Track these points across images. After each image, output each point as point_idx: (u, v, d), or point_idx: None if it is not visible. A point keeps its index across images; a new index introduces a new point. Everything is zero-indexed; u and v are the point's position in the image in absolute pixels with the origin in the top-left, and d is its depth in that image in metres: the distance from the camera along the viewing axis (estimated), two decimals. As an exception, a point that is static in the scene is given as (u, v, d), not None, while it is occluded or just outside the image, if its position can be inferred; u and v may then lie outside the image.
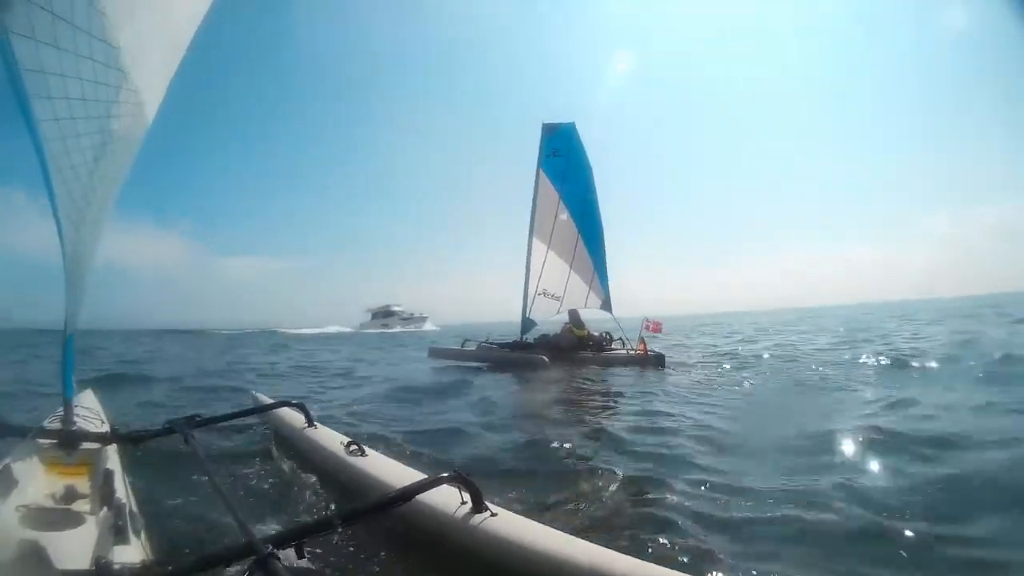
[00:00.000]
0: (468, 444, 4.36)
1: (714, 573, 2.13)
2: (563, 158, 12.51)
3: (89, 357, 13.22)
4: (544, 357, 10.53)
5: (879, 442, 3.86)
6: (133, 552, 1.62)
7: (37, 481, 2.24)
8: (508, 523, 2.11)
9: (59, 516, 1.90)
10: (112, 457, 2.59)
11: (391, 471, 2.79)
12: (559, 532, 2.06)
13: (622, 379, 8.73)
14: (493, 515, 2.16)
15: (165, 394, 7.25)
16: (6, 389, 7.63)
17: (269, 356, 17.27)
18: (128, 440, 2.85)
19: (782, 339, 17.01)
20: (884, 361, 9.02)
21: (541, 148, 12.71)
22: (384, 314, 61.95)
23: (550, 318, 12.49)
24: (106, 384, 6.91)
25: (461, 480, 2.20)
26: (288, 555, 1.60)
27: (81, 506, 2.05)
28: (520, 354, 11.36)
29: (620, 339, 11.48)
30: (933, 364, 8.34)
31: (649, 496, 3.00)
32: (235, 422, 3.94)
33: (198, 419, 3.11)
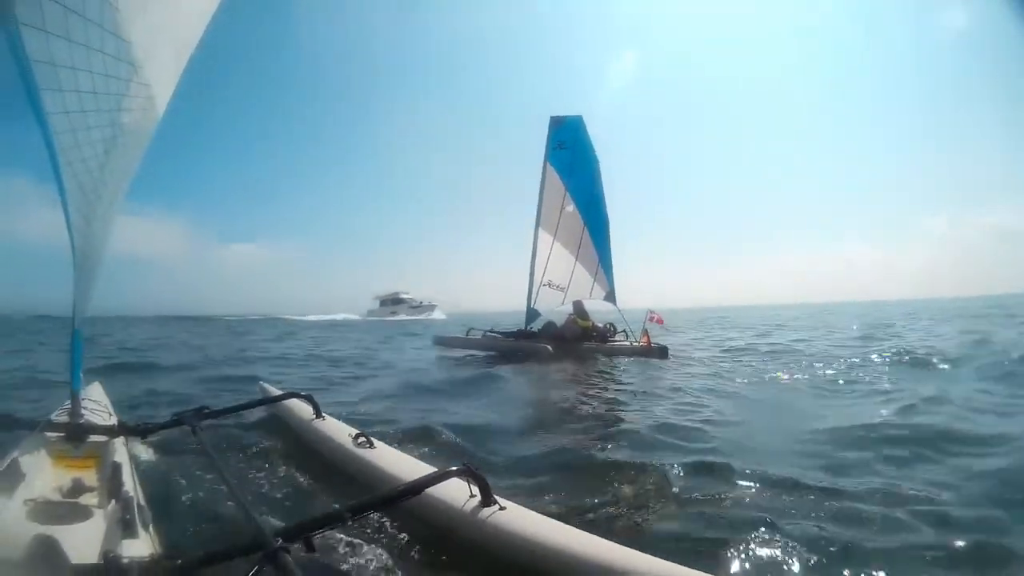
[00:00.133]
0: (492, 439, 4.26)
1: (729, 570, 2.14)
2: (570, 150, 12.48)
3: (93, 344, 13.24)
4: (548, 346, 10.63)
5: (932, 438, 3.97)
6: (141, 546, 1.62)
7: (44, 474, 2.25)
8: (517, 517, 2.13)
9: (67, 510, 1.91)
10: (120, 450, 2.59)
11: (400, 464, 2.80)
12: (568, 526, 2.07)
13: (651, 371, 8.64)
14: (502, 508, 2.17)
15: (176, 384, 7.17)
16: (11, 378, 7.65)
17: (279, 344, 17.28)
18: (136, 432, 2.86)
19: (795, 335, 16.90)
20: (906, 359, 9.00)
21: (548, 140, 12.69)
22: (392, 301, 60.33)
23: (555, 309, 12.53)
24: (115, 372, 6.96)
25: (470, 474, 2.21)
26: (297, 549, 1.60)
27: (89, 499, 2.06)
28: (524, 343, 11.43)
29: (624, 331, 11.50)
30: (954, 363, 8.37)
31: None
32: (243, 414, 3.93)
33: (206, 411, 3.11)
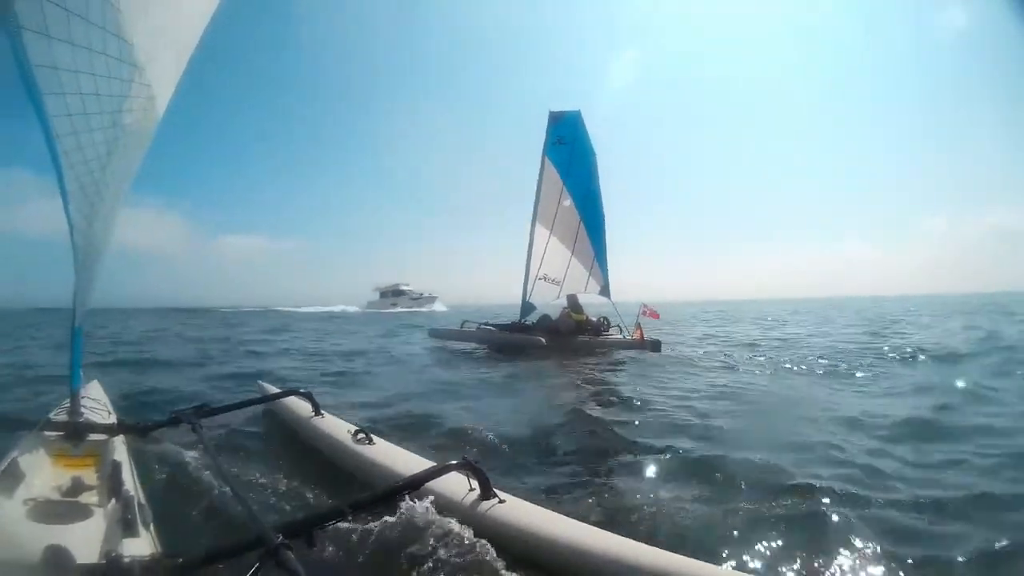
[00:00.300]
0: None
1: (734, 561, 2.19)
2: (568, 146, 12.49)
3: (88, 339, 13.02)
4: (542, 339, 10.73)
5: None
6: (142, 545, 1.62)
7: (44, 473, 2.24)
8: (517, 510, 2.17)
9: (67, 509, 1.90)
10: (119, 448, 2.58)
11: (399, 459, 2.84)
12: (567, 518, 2.11)
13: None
14: (501, 502, 2.21)
15: (174, 382, 7.05)
16: (8, 373, 7.59)
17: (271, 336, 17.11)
18: (135, 431, 2.83)
19: (804, 330, 17.03)
20: (922, 357, 9.13)
21: (547, 135, 12.70)
22: (393, 293, 59.14)
23: (550, 302, 12.58)
24: (112, 370, 6.89)
25: (470, 467, 2.25)
26: (298, 545, 1.61)
27: (89, 498, 2.05)
28: (519, 336, 11.51)
29: (618, 325, 11.58)
30: (968, 359, 8.58)
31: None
32: (242, 412, 3.93)
33: (205, 409, 3.11)
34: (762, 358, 9.67)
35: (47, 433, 2.56)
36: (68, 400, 2.90)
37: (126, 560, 1.42)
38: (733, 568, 2.12)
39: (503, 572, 1.96)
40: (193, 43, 2.34)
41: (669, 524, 2.52)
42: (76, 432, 2.61)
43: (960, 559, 2.22)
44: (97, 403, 3.39)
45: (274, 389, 4.45)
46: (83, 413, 2.90)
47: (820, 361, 8.89)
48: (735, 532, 2.45)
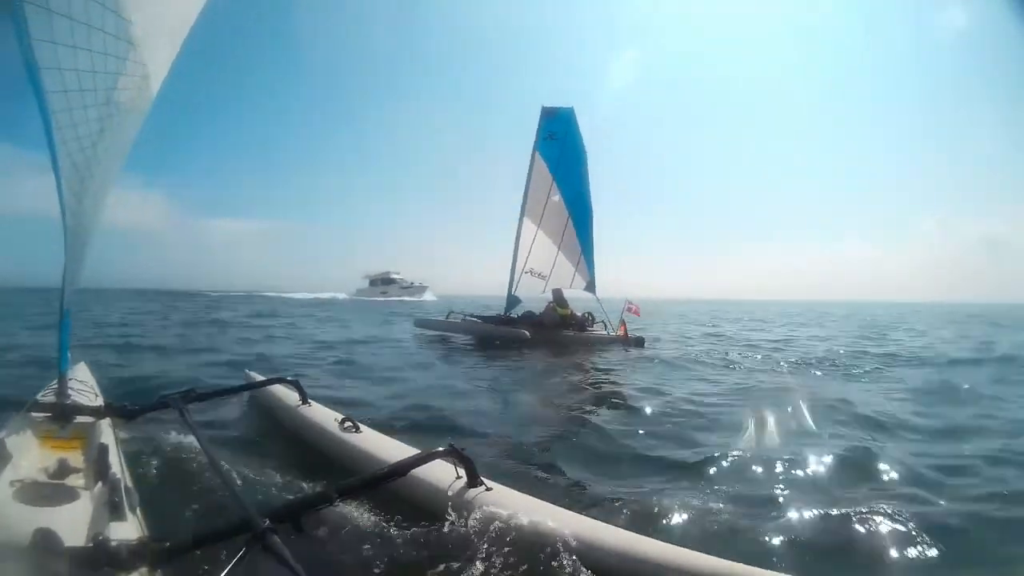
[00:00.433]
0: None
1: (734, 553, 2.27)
2: (560, 142, 12.52)
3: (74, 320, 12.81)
4: (526, 332, 10.82)
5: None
6: (129, 528, 1.60)
7: (31, 455, 2.22)
8: (503, 497, 2.19)
9: (53, 491, 1.88)
10: (106, 431, 2.55)
11: (386, 447, 2.86)
12: (554, 506, 2.14)
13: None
14: (488, 489, 2.23)
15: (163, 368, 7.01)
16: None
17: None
18: (122, 414, 2.78)
19: (806, 332, 17.27)
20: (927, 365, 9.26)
21: (539, 130, 12.72)
22: (383, 281, 58.73)
23: (536, 296, 12.66)
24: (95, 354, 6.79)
25: (456, 455, 2.26)
26: (285, 529, 1.61)
27: (75, 481, 2.03)
28: (503, 328, 11.60)
29: (602, 321, 11.69)
30: (976, 366, 8.84)
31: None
32: (230, 399, 3.93)
33: (193, 394, 3.07)
34: (737, 355, 9.92)
35: (34, 414, 2.52)
36: (56, 381, 2.86)
37: (113, 544, 1.40)
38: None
39: (489, 559, 1.98)
40: (190, 21, 2.31)
41: (654, 512, 2.59)
42: (63, 414, 2.58)
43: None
44: (84, 385, 3.35)
45: (260, 377, 4.42)
46: (70, 395, 2.87)
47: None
48: (714, 523, 2.54)
